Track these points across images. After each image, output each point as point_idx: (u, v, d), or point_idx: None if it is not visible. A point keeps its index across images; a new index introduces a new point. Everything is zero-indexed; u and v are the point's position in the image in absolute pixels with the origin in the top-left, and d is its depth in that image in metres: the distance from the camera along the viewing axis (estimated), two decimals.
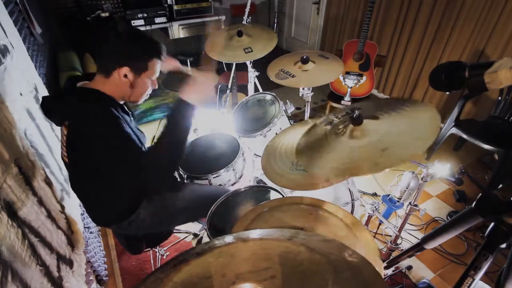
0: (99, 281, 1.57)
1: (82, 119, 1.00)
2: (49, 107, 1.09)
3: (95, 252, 1.58)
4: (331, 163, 0.87)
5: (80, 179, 1.15)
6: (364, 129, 0.90)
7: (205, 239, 1.59)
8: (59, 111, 1.06)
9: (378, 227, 1.75)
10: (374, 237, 1.82)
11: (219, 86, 3.04)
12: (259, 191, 1.39)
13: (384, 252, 1.42)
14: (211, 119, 2.14)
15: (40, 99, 1.09)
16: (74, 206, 1.46)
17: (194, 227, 1.77)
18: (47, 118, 1.12)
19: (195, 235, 1.73)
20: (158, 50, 1.09)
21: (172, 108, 1.06)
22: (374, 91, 3.43)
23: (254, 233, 0.63)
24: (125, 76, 1.05)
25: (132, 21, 3.15)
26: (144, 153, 1.05)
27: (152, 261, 1.76)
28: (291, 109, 1.83)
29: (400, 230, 1.32)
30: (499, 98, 2.16)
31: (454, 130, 2.17)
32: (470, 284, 0.77)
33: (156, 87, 1.17)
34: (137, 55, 1.05)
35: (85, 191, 1.18)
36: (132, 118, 1.21)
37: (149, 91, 1.17)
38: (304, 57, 1.58)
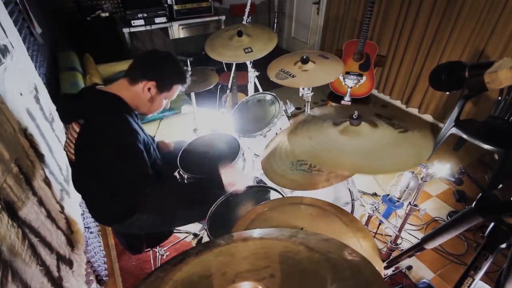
0: (99, 281, 1.57)
1: (98, 121, 1.02)
2: (66, 104, 1.14)
3: (95, 252, 1.58)
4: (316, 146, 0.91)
5: (85, 177, 1.16)
6: (359, 131, 0.91)
7: (205, 239, 1.59)
8: (75, 109, 1.09)
9: (378, 227, 1.75)
10: (374, 237, 1.82)
11: (219, 86, 3.04)
12: (259, 191, 1.39)
13: (384, 252, 1.42)
14: (211, 119, 2.14)
15: (41, 99, 1.10)
16: (74, 206, 1.45)
17: (194, 227, 1.77)
18: (61, 113, 1.14)
19: (195, 235, 1.73)
20: (185, 79, 1.20)
21: (211, 178, 1.15)
22: (374, 91, 3.43)
23: (254, 233, 0.63)
24: (149, 89, 1.11)
25: (132, 21, 3.15)
26: (153, 181, 1.07)
27: (152, 261, 1.76)
28: (291, 109, 1.83)
29: (400, 230, 1.32)
30: (499, 98, 2.16)
31: (454, 130, 2.17)
32: (470, 284, 0.77)
33: (168, 107, 1.28)
34: (168, 76, 1.14)
35: (89, 189, 1.19)
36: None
37: (161, 109, 1.25)
38: (304, 57, 1.58)
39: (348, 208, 1.51)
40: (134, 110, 1.17)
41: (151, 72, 1.11)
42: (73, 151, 1.08)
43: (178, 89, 1.21)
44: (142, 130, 1.19)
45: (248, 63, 2.13)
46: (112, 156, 1.02)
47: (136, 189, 1.03)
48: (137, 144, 1.05)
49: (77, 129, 1.03)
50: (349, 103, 2.64)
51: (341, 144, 0.90)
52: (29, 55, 1.44)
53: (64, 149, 1.13)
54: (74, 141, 1.05)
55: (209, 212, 1.26)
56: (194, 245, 1.73)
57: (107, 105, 1.07)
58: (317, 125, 1.01)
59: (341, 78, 2.59)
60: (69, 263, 1.17)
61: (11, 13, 1.39)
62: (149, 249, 1.75)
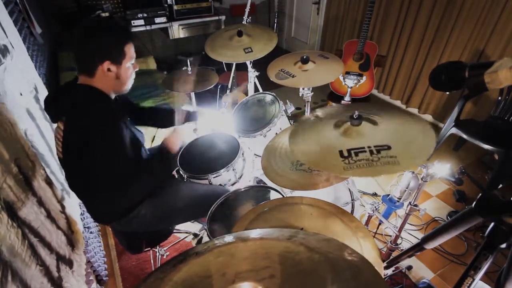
0: (99, 281, 1.57)
1: (80, 115, 1.01)
2: (50, 104, 1.11)
3: (95, 252, 1.58)
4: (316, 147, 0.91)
5: (75, 175, 1.14)
6: (360, 131, 0.91)
7: (205, 239, 1.58)
8: (58, 107, 1.07)
9: (378, 227, 1.75)
10: (374, 237, 1.82)
11: (219, 86, 3.03)
12: (259, 191, 1.39)
13: (384, 252, 1.42)
14: (211, 119, 2.14)
15: (41, 99, 1.10)
16: (74, 206, 1.46)
17: (194, 227, 1.77)
18: (48, 114, 1.13)
19: (195, 235, 1.73)
20: (128, 33, 1.10)
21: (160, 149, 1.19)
22: (374, 91, 3.43)
23: (254, 233, 0.63)
24: (109, 70, 1.06)
25: (132, 21, 3.15)
26: (136, 162, 1.11)
27: (152, 261, 1.76)
28: (291, 109, 1.83)
29: (400, 230, 1.32)
30: (499, 98, 2.16)
31: (454, 130, 2.17)
32: (470, 284, 0.77)
33: (137, 68, 1.19)
34: (112, 46, 1.06)
35: (82, 188, 1.18)
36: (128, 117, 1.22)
37: (133, 75, 1.18)
38: (304, 57, 1.58)
39: (348, 208, 1.51)
40: (111, 98, 1.14)
41: (96, 55, 1.03)
42: (61, 149, 1.06)
43: (131, 47, 1.10)
44: (129, 124, 1.17)
45: (248, 63, 2.13)
46: (96, 148, 1.00)
47: (125, 180, 1.04)
48: (121, 131, 1.03)
49: (62, 127, 1.03)
50: (349, 103, 2.64)
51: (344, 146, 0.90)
52: (29, 55, 1.44)
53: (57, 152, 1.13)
54: (61, 140, 1.04)
55: (209, 212, 1.26)
56: (194, 245, 1.73)
57: (84, 98, 1.05)
58: (318, 129, 1.01)
59: (341, 78, 2.58)
60: (69, 263, 1.18)
61: (11, 13, 1.39)
62: (149, 248, 1.75)
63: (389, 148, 0.84)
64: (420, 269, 1.73)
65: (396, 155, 0.82)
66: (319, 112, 1.09)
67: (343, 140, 0.92)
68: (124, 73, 1.11)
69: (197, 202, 1.36)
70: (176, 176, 1.64)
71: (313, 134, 1.00)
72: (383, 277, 0.93)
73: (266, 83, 2.14)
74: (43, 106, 1.15)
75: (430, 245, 0.96)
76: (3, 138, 0.92)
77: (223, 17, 3.60)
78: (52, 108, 1.10)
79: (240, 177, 1.61)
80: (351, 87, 2.57)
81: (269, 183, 1.36)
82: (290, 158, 1.24)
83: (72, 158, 1.06)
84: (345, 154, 0.86)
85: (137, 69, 1.18)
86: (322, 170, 1.11)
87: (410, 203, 1.22)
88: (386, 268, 1.24)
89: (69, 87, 1.12)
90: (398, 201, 1.59)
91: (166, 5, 3.27)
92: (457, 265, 1.74)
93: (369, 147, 0.86)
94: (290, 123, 1.81)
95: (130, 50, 1.10)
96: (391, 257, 1.21)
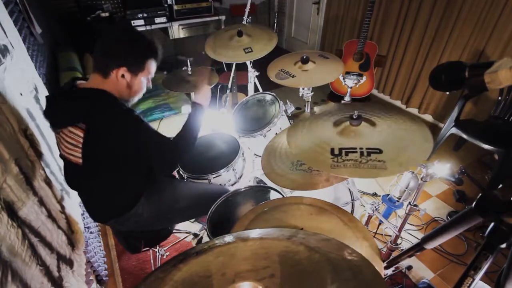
0: (99, 281, 1.57)
1: (103, 120, 1.02)
2: (56, 108, 1.10)
3: (95, 252, 1.58)
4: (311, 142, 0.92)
5: (91, 176, 1.14)
6: (357, 131, 0.92)
7: (205, 239, 1.59)
8: (70, 112, 1.06)
9: (378, 227, 1.75)
10: (374, 237, 1.82)
11: (219, 86, 3.03)
12: (259, 191, 1.39)
13: (384, 252, 1.42)
14: (211, 119, 2.15)
15: (41, 99, 1.09)
16: (74, 206, 1.46)
17: (194, 227, 1.77)
18: (48, 118, 1.11)
19: (195, 235, 1.73)
20: (154, 50, 1.13)
21: (192, 110, 1.27)
22: (374, 91, 3.43)
23: (254, 233, 0.63)
24: (123, 76, 1.08)
25: (132, 21, 3.15)
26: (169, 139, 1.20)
27: (152, 261, 1.76)
28: (291, 109, 1.83)
29: (400, 230, 1.32)
30: (499, 98, 2.16)
31: (454, 130, 2.17)
32: (470, 284, 0.77)
33: (151, 86, 1.20)
34: (134, 56, 1.08)
35: (90, 188, 1.19)
36: None
37: (144, 90, 1.20)
38: (304, 57, 1.58)
39: (348, 208, 1.51)
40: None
41: (116, 59, 1.06)
42: (79, 155, 1.06)
43: (152, 64, 1.13)
44: None
45: (248, 63, 2.13)
46: (133, 136, 1.05)
47: (170, 151, 1.16)
48: (143, 119, 1.08)
49: (80, 133, 1.02)
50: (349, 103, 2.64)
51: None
52: (29, 55, 1.44)
53: (61, 156, 1.13)
54: (81, 146, 1.04)
55: (209, 212, 1.26)
56: (194, 245, 1.73)
57: (102, 102, 1.06)
58: (317, 125, 1.02)
59: (341, 78, 2.58)
60: (70, 263, 1.18)
61: (11, 13, 1.39)
62: (148, 248, 1.75)
63: (380, 152, 0.84)
64: (420, 269, 1.73)
65: (385, 159, 0.81)
66: (317, 109, 1.10)
67: (338, 139, 0.92)
68: (136, 85, 1.13)
69: (197, 202, 1.36)
70: (176, 176, 1.65)
71: (311, 130, 1.01)
72: (383, 277, 0.93)
73: (266, 83, 2.14)
74: (43, 110, 1.13)
75: (430, 245, 0.96)
76: (3, 138, 0.92)
77: (223, 17, 3.60)
78: (61, 113, 1.08)
79: (240, 177, 1.61)
80: (351, 87, 2.56)
81: (269, 183, 1.37)
82: (290, 158, 1.25)
83: (94, 159, 1.08)
84: (336, 152, 0.86)
85: (150, 87, 1.20)
86: (310, 164, 1.12)
87: (410, 203, 1.22)
88: (386, 268, 1.24)
89: (76, 93, 1.09)
90: (398, 201, 1.59)
91: (166, 5, 3.27)
92: (457, 265, 1.74)
93: (361, 148, 0.86)
94: (290, 123, 1.81)
95: (150, 65, 1.13)
96: (391, 257, 1.21)
